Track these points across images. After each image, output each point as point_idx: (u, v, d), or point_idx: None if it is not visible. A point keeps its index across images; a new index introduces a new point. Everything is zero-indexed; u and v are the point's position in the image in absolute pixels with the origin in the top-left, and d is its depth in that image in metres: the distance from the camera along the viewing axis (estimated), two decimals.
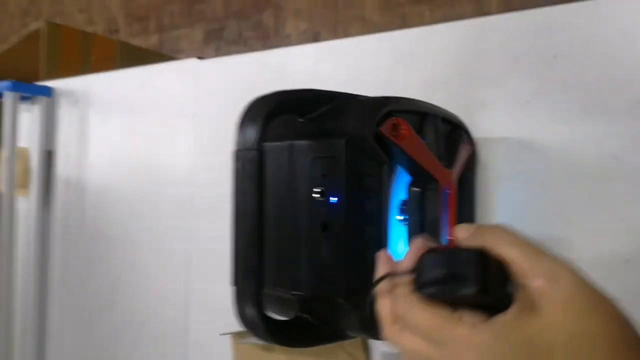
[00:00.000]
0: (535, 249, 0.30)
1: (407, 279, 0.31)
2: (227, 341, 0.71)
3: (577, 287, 0.29)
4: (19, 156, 1.06)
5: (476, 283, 0.29)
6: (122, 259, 0.94)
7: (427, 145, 0.47)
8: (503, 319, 0.28)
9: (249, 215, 0.39)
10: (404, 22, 1.58)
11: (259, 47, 1.91)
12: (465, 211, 0.55)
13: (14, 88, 1.04)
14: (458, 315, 0.29)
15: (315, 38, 1.79)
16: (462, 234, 0.32)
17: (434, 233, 0.48)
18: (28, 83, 1.09)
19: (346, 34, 1.69)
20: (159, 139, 0.91)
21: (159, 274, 0.88)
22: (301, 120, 0.44)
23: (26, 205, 1.07)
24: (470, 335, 0.28)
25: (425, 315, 0.30)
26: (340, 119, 0.42)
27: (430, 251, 0.31)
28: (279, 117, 0.41)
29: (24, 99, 1.07)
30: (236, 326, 0.69)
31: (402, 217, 0.49)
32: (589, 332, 0.27)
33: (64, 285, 1.03)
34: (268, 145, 0.41)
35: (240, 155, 0.39)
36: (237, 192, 0.40)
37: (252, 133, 0.38)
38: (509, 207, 0.57)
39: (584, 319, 0.28)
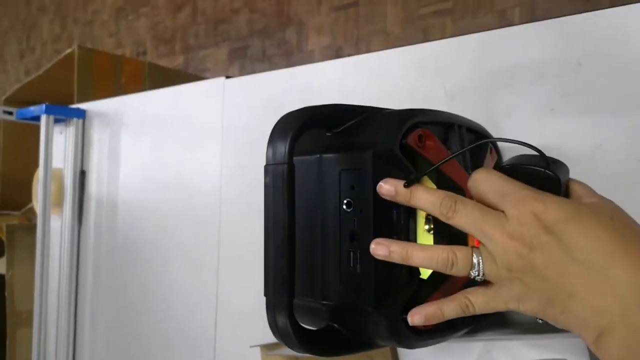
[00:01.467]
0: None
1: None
2: (255, 353, 0.72)
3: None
4: (54, 176, 1.09)
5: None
6: (152, 272, 0.96)
7: None
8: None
9: (280, 228, 0.40)
10: (425, 35, 1.59)
11: (283, 63, 1.94)
12: None
13: (48, 111, 1.08)
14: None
15: (338, 53, 1.81)
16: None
17: (460, 241, 0.49)
18: (62, 106, 1.13)
19: (368, 48, 1.71)
20: (188, 156, 0.93)
21: (188, 287, 0.90)
22: (329, 134, 0.45)
23: (60, 224, 1.10)
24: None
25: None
26: (367, 132, 0.43)
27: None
28: (307, 132, 0.42)
29: (58, 121, 1.11)
30: (263, 335, 0.70)
31: (427, 227, 0.50)
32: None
33: (96, 299, 1.06)
34: (297, 159, 0.42)
35: (271, 170, 0.40)
36: (267, 205, 0.41)
37: (282, 148, 0.40)
38: None
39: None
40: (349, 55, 0.85)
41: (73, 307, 1.07)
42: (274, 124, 0.42)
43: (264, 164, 0.42)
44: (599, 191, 0.53)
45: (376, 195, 0.41)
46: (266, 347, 0.72)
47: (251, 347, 0.74)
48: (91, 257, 1.08)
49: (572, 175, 0.54)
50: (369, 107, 0.47)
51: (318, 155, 0.44)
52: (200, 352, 0.87)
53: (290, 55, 1.95)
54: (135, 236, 1.01)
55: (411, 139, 0.43)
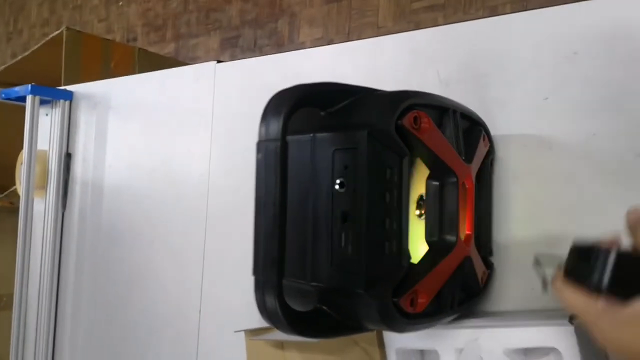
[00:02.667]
0: None
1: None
2: (239, 342, 0.72)
3: None
4: (38, 158, 1.07)
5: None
6: (137, 259, 0.95)
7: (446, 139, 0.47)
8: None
9: (271, 206, 0.39)
10: (417, 29, 1.58)
11: (274, 54, 1.92)
12: (483, 208, 0.55)
13: (34, 91, 1.06)
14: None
15: (329, 45, 1.81)
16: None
17: (452, 227, 0.48)
18: (49, 87, 1.10)
19: None
20: (177, 141, 0.92)
21: (174, 275, 0.89)
22: (322, 113, 0.44)
23: (43, 207, 1.08)
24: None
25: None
26: (362, 112, 0.42)
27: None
28: (300, 110, 0.41)
29: (44, 102, 1.09)
30: (247, 326, 0.69)
31: (418, 212, 0.50)
32: None
33: (79, 285, 1.04)
34: (290, 138, 0.41)
35: (263, 146, 0.39)
36: (259, 183, 0.40)
37: (275, 124, 0.39)
38: (527, 204, 0.57)
39: None
40: None
41: (55, 293, 1.06)
42: (267, 101, 0.41)
43: (256, 140, 0.41)
44: (593, 180, 0.53)
45: (370, 175, 0.41)
46: (250, 332, 0.71)
47: (235, 332, 0.74)
48: (75, 242, 1.06)
49: (568, 165, 0.54)
50: (363, 87, 0.46)
51: (311, 135, 0.44)
52: (184, 341, 0.86)
53: (282, 46, 1.93)
54: (120, 222, 1.00)
55: (406, 121, 0.42)
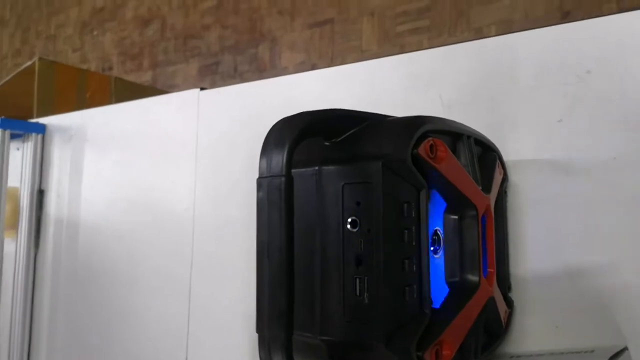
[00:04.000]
0: None
1: None
2: None
3: None
4: (9, 196, 1.01)
5: None
6: (117, 302, 0.88)
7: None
8: None
9: (276, 252, 0.34)
10: (401, 52, 1.56)
11: (255, 80, 1.89)
12: (498, 239, 0.51)
13: (4, 125, 1.00)
14: None
15: (313, 70, 1.78)
16: None
17: (473, 265, 0.44)
18: (20, 120, 1.05)
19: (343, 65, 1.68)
20: (158, 173, 0.86)
21: (157, 318, 0.82)
22: (327, 143, 0.40)
23: (15, 247, 1.01)
24: None
25: None
26: (373, 141, 0.38)
27: None
28: (304, 141, 0.37)
29: (15, 136, 1.03)
30: None
31: (433, 248, 0.45)
32: None
33: (53, 333, 0.96)
34: (292, 171, 0.37)
35: (266, 183, 0.35)
36: (261, 224, 0.35)
37: (278, 158, 0.34)
38: (543, 233, 0.53)
39: None
40: None
41: (27, 341, 0.98)
42: (267, 131, 0.36)
43: (257, 176, 0.36)
44: (614, 207, 0.49)
45: (386, 212, 0.36)
46: None
47: None
48: (48, 286, 0.99)
49: (585, 190, 0.51)
50: (372, 113, 0.42)
51: (316, 167, 0.39)
52: None
53: (263, 71, 1.90)
54: (98, 262, 0.93)
55: (422, 150, 0.38)
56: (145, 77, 2.15)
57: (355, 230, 0.37)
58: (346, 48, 1.67)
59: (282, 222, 0.34)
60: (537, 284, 0.52)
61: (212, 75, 1.98)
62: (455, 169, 0.41)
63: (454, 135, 0.44)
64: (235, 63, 1.94)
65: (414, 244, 0.38)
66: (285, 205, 0.34)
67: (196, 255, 0.79)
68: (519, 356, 0.51)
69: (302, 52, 1.78)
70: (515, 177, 0.54)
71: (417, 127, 0.38)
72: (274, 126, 0.37)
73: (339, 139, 0.39)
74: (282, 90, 0.75)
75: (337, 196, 0.37)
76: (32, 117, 1.11)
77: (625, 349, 0.47)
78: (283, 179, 0.34)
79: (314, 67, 1.75)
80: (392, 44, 1.57)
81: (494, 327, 0.47)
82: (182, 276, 0.79)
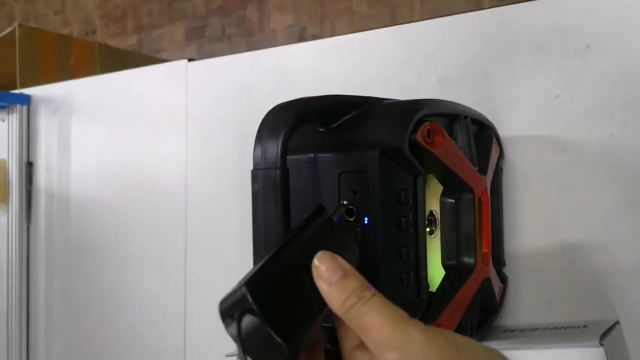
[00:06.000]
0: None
1: None
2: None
3: None
4: None
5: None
6: (113, 272, 0.89)
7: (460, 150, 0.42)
8: None
9: (273, 247, 0.34)
10: (393, 14, 1.53)
11: (243, 43, 1.84)
12: (493, 217, 0.51)
13: None
14: None
15: (302, 32, 1.74)
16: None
17: (469, 247, 0.44)
18: (3, 91, 1.02)
19: (333, 27, 1.64)
20: (148, 145, 0.85)
21: (153, 286, 0.83)
22: (322, 129, 0.39)
23: (6, 220, 1.01)
24: None
25: None
26: (369, 128, 0.37)
27: None
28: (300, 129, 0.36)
29: None
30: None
31: (429, 229, 0.45)
32: None
33: (50, 306, 0.97)
34: (287, 158, 0.36)
35: (260, 175, 0.34)
36: (257, 217, 0.34)
37: (273, 149, 0.33)
38: (539, 211, 0.53)
39: None
40: (313, 35, 0.78)
41: (25, 314, 0.98)
42: (261, 119, 0.35)
43: (251, 167, 0.35)
44: (611, 184, 0.49)
45: (383, 201, 0.36)
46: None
47: (227, 356, 0.68)
48: (43, 259, 0.99)
49: (582, 168, 0.50)
50: (368, 97, 0.41)
51: (311, 155, 0.38)
52: (171, 355, 0.80)
53: (251, 34, 1.85)
54: (91, 235, 0.93)
55: (419, 135, 0.37)
56: (130, 41, 2.09)
57: (352, 219, 0.36)
58: (336, 10, 1.63)
59: (278, 216, 0.33)
60: (531, 259, 0.53)
61: (199, 39, 1.93)
62: (453, 152, 0.41)
63: (450, 117, 0.44)
64: (222, 26, 1.89)
65: (411, 231, 0.37)
66: (280, 199, 0.33)
67: (189, 225, 0.79)
68: (512, 330, 0.52)
69: (291, 13, 1.74)
70: (511, 153, 0.54)
71: (414, 113, 0.37)
72: (268, 114, 0.35)
73: (335, 125, 0.38)
74: (272, 62, 0.73)
75: (333, 185, 0.37)
76: (15, 88, 1.08)
77: (617, 323, 0.48)
78: (278, 171, 0.33)
79: (303, 30, 1.71)
80: (382, 4, 1.53)
81: (488, 305, 0.48)
82: (177, 249, 0.80)
